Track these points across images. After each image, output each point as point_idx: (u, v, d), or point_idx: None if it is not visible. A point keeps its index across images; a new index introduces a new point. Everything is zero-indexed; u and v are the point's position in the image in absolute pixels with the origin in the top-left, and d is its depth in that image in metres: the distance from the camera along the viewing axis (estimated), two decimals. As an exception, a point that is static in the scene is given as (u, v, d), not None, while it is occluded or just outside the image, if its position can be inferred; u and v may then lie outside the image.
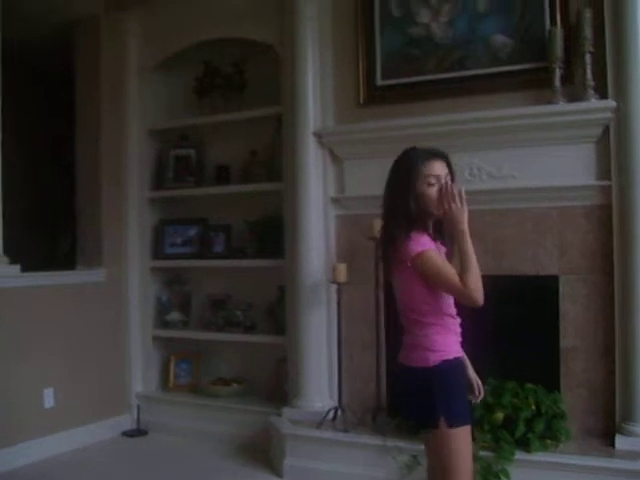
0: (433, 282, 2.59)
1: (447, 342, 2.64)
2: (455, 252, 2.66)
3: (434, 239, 2.68)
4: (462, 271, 2.53)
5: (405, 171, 2.66)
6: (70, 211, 5.47)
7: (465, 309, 2.66)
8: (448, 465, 2.59)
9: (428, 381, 2.59)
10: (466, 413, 2.65)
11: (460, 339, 2.71)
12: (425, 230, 2.65)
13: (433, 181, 2.62)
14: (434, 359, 2.59)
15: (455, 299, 2.65)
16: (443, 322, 2.65)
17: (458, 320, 2.70)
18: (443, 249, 2.70)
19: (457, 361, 2.67)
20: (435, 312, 2.63)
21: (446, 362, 2.61)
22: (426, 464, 2.81)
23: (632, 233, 3.77)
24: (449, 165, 2.70)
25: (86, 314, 5.02)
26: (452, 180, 2.67)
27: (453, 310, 2.69)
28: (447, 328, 2.66)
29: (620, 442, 3.77)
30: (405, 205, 2.62)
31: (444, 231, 2.71)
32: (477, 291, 2.51)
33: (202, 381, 5.34)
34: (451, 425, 2.56)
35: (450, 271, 2.56)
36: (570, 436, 3.86)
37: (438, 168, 2.65)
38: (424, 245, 2.57)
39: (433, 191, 2.62)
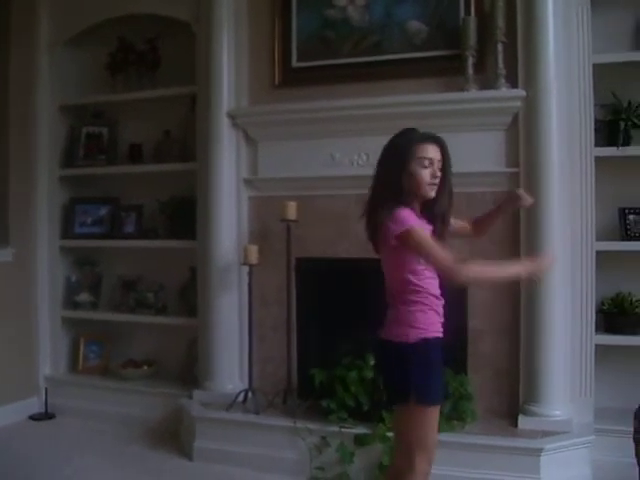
0: (420, 254, 2.61)
1: (429, 321, 2.67)
2: (443, 234, 2.74)
3: (419, 217, 2.70)
4: (483, 263, 2.64)
5: (401, 149, 2.69)
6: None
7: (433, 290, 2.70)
8: (413, 440, 2.66)
9: (405, 357, 2.64)
10: (438, 393, 2.72)
11: (442, 320, 2.73)
12: (410, 208, 2.67)
13: (426, 163, 2.67)
14: (414, 336, 2.63)
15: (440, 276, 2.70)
16: (428, 301, 2.68)
17: (442, 301, 2.74)
18: (428, 227, 2.71)
19: (437, 340, 2.69)
20: (419, 291, 2.66)
21: (425, 340, 2.64)
22: (392, 437, 2.94)
23: (537, 219, 3.88)
24: (444, 151, 2.73)
25: (-9, 294, 4.87)
26: (446, 165, 2.73)
27: (437, 291, 2.73)
28: (430, 307, 2.68)
29: (522, 422, 3.90)
30: (397, 182, 2.65)
31: (434, 212, 2.74)
32: (468, 275, 2.57)
33: (112, 363, 5.26)
34: (421, 402, 2.62)
35: (435, 244, 2.59)
36: (476, 417, 3.97)
37: (432, 151, 2.69)
38: (408, 221, 2.58)
39: (425, 173, 2.67)
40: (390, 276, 2.75)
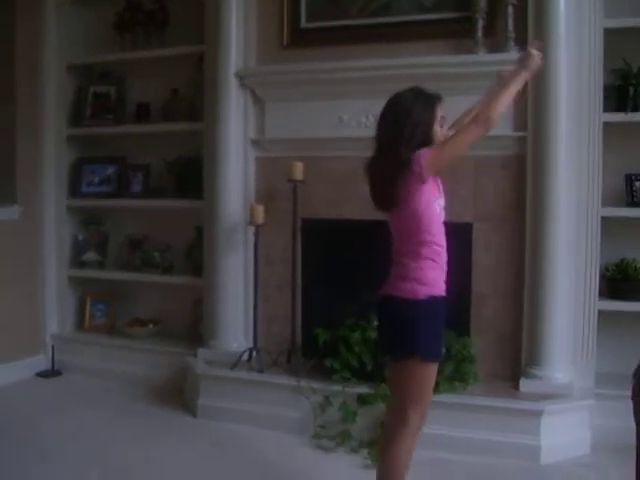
0: (459, 148, 2.70)
1: (436, 278, 2.71)
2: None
3: None
4: (493, 99, 2.71)
5: (427, 104, 2.74)
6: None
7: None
8: (411, 395, 2.71)
9: (413, 313, 2.67)
10: (440, 350, 2.78)
11: (445, 278, 2.76)
12: None
13: (442, 121, 2.75)
14: (423, 292, 2.66)
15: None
16: (438, 258, 2.71)
17: (446, 256, 2.76)
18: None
19: (442, 299, 2.73)
20: (431, 244, 2.69)
21: (433, 297, 2.68)
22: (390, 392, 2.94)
23: (544, 183, 3.88)
24: None
25: (-1, 253, 4.90)
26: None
27: (444, 242, 2.75)
28: (438, 264, 2.72)
29: (524, 385, 3.93)
30: (427, 132, 2.70)
31: None
32: (497, 115, 2.68)
33: (118, 322, 5.30)
34: (426, 358, 2.67)
35: (456, 133, 2.73)
36: (478, 379, 4.00)
37: (443, 110, 2.78)
38: (428, 149, 2.65)
39: (441, 132, 2.75)
40: (402, 230, 2.75)
